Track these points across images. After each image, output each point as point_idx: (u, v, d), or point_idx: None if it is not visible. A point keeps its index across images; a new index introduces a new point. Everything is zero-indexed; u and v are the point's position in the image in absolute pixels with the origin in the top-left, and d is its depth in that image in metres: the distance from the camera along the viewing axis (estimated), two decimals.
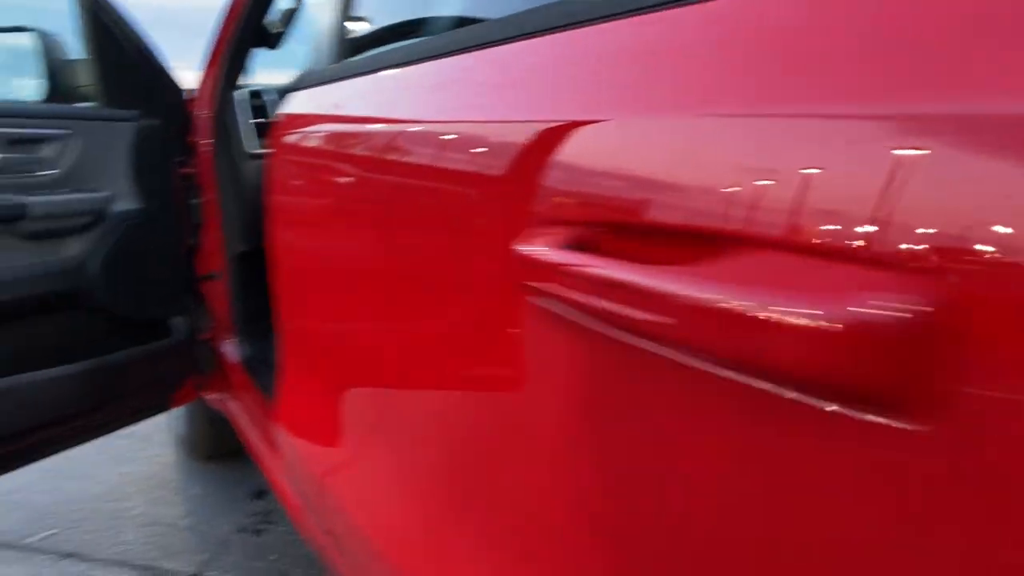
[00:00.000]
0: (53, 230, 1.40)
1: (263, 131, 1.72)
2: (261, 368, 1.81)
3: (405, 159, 0.73)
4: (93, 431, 1.55)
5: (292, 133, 1.08)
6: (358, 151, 0.84)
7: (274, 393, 1.59)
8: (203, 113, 1.70)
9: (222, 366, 1.85)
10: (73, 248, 1.44)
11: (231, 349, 1.82)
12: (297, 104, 1.13)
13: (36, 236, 1.37)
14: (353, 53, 1.05)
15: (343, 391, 0.99)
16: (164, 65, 1.58)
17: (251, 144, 1.70)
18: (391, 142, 0.76)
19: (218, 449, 2.23)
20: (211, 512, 2.00)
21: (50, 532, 1.89)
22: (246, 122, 1.70)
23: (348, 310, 0.94)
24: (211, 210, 1.76)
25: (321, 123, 0.99)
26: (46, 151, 1.40)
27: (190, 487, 2.14)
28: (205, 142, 1.70)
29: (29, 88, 1.60)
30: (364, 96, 0.90)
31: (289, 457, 1.17)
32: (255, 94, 1.75)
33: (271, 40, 1.61)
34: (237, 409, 1.78)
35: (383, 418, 0.90)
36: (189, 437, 2.23)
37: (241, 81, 1.74)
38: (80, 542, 1.84)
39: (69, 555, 1.79)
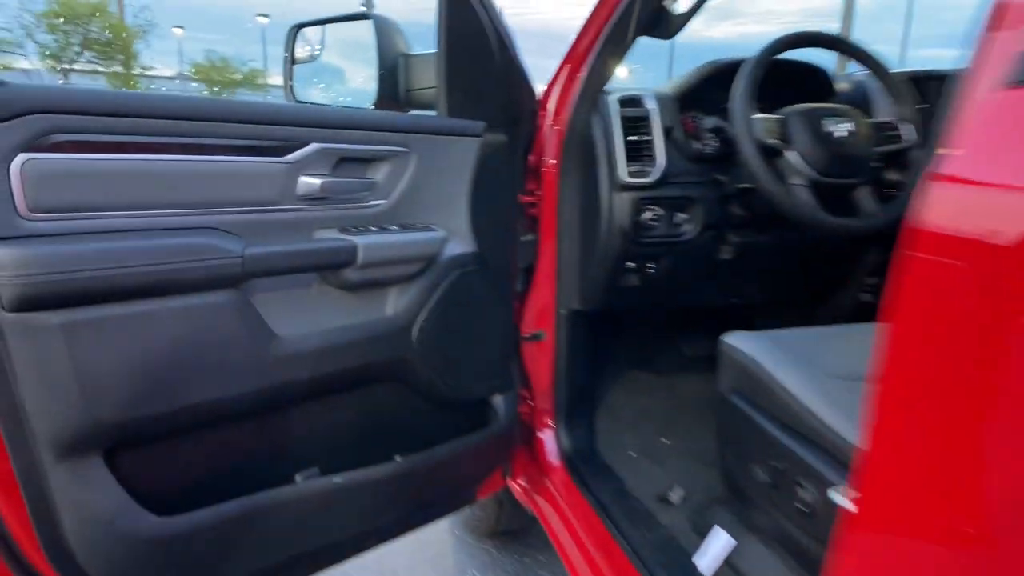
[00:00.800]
0: (377, 280, 1.04)
1: (636, 152, 1.25)
2: (590, 470, 1.37)
3: None
4: (386, 538, 1.19)
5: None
6: None
7: None
8: (554, 125, 1.28)
9: (536, 452, 1.43)
10: (393, 305, 1.07)
11: (551, 437, 1.40)
12: None
13: (357, 288, 1.02)
14: None
15: None
16: (522, 63, 1.17)
17: (623, 169, 1.23)
18: None
19: (500, 528, 1.84)
20: None
21: None
22: (619, 138, 1.23)
23: None
24: (548, 251, 1.34)
25: None
26: (377, 173, 1.04)
27: (465, 571, 1.78)
28: (553, 163, 1.28)
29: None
30: None
31: None
32: (629, 101, 1.27)
33: (671, 26, 1.13)
34: (551, 514, 1.35)
35: None
36: (472, 512, 1.86)
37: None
38: None
39: None
